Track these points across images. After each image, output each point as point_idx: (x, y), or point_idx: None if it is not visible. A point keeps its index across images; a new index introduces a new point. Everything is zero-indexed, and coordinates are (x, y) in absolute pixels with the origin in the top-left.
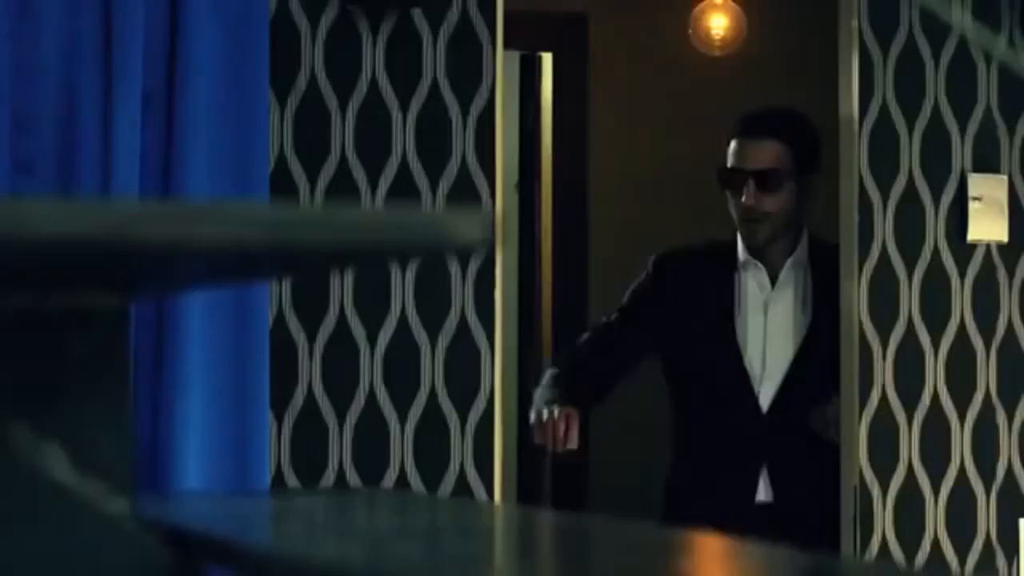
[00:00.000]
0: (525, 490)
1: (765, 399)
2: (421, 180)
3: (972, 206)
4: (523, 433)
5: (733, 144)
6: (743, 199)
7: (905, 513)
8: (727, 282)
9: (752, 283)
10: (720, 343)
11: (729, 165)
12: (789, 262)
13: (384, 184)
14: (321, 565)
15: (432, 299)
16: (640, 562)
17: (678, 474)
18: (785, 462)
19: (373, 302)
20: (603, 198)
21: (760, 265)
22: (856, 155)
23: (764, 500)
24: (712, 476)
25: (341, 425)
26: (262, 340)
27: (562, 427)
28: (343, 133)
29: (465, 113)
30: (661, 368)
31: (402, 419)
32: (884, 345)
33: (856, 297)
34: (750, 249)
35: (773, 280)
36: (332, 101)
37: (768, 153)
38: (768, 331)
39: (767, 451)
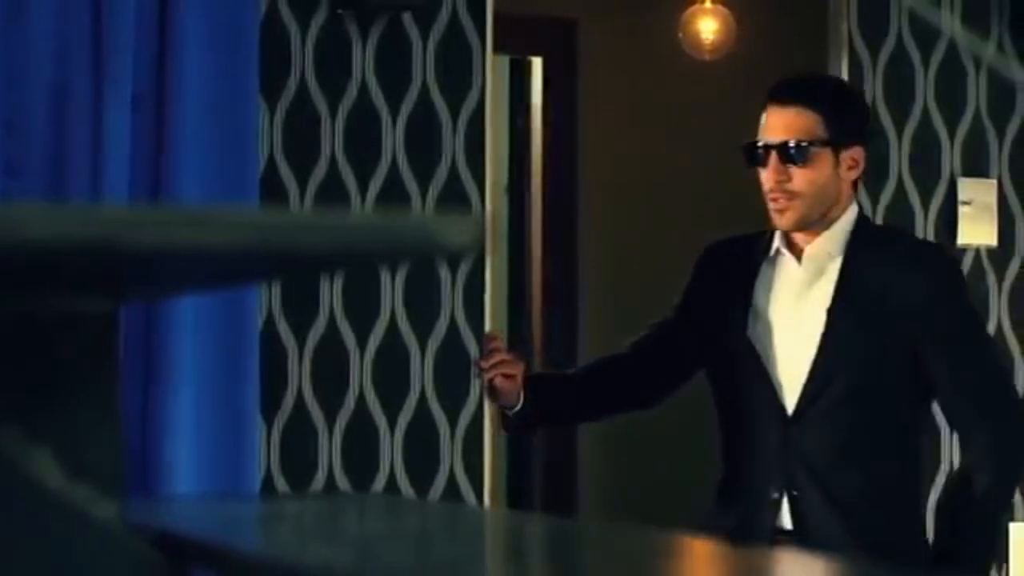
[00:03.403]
0: (515, 494)
1: (790, 407)
2: (411, 184)
3: (961, 210)
4: (513, 437)
5: (763, 116)
6: (763, 176)
7: None
8: (752, 277)
9: (783, 275)
10: (739, 347)
11: (757, 140)
12: (811, 248)
13: (374, 188)
14: (310, 569)
15: (422, 303)
16: (630, 566)
17: (716, 499)
18: (807, 479)
19: (363, 306)
20: (593, 202)
21: (789, 254)
22: None
23: (786, 527)
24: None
25: (331, 429)
26: (252, 344)
27: (500, 368)
28: (333, 137)
29: (455, 117)
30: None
31: (392, 423)
32: None
33: None
34: (782, 235)
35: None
36: (322, 105)
37: (794, 122)
38: (794, 330)
39: (789, 466)
